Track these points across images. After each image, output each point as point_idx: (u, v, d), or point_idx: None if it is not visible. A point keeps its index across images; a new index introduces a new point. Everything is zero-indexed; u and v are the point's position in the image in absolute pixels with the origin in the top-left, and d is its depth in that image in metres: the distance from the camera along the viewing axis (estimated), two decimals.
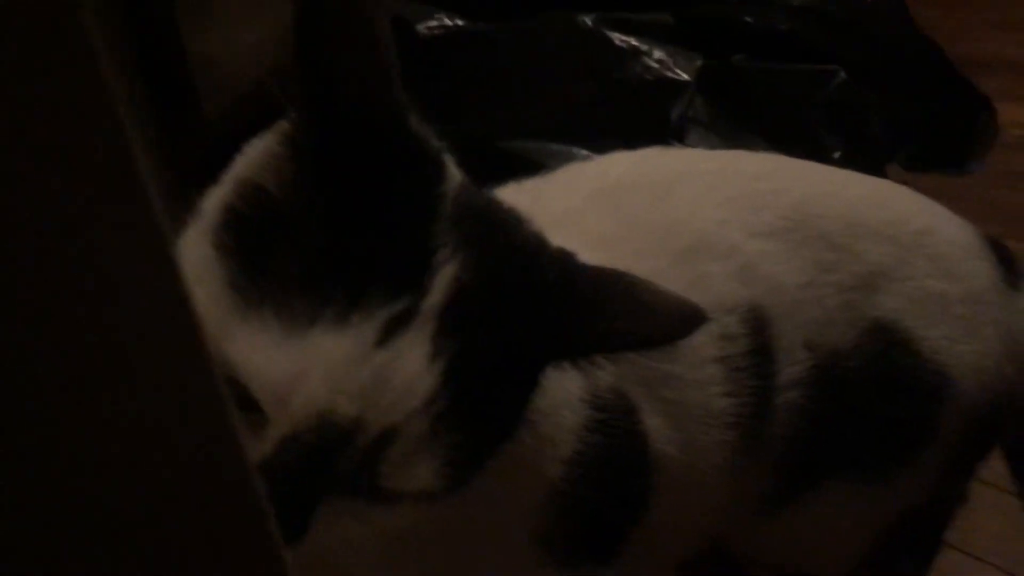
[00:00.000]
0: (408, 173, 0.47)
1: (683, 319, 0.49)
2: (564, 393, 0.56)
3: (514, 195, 0.56)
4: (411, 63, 1.10)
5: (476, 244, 0.47)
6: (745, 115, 0.97)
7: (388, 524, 0.49)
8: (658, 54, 1.00)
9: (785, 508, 0.69)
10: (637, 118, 0.97)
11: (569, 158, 0.87)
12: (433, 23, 1.09)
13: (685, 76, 1.00)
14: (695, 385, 0.61)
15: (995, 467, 0.81)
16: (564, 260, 0.50)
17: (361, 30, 0.44)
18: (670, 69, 1.00)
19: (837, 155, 0.94)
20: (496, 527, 0.57)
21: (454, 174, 0.49)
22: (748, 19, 1.05)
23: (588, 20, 1.03)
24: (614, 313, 0.48)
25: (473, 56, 1.06)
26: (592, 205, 0.64)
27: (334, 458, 0.44)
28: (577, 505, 0.57)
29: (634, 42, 1.01)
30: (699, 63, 1.01)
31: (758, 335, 0.63)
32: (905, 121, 1.03)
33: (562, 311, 0.48)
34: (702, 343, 0.62)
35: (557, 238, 0.62)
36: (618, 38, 1.01)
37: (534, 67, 1.04)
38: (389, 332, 0.44)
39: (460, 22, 1.08)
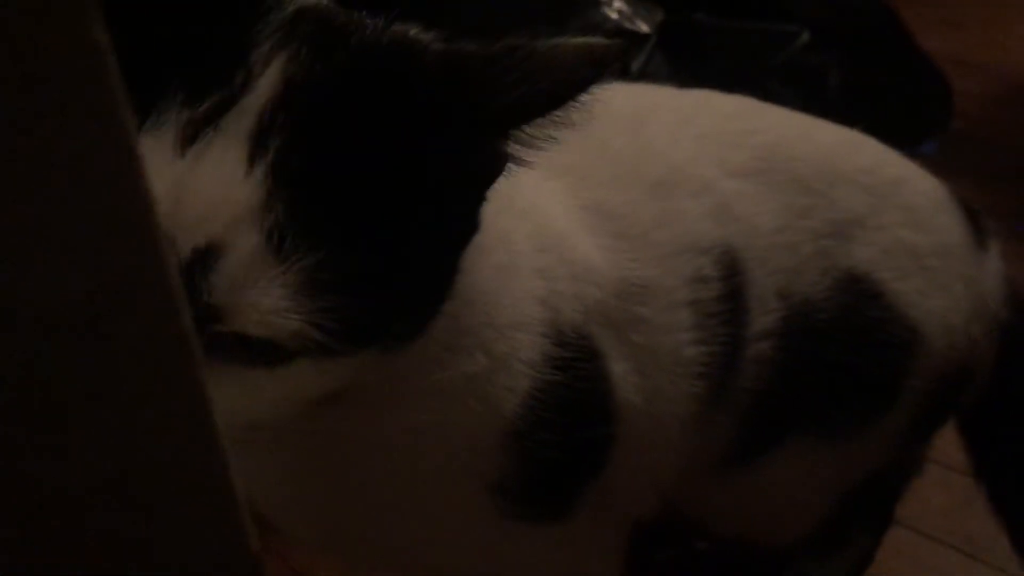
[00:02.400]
0: None
1: (594, 60, 0.42)
2: (522, 317, 0.52)
3: None
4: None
5: (312, 41, 0.42)
6: (705, 72, 0.94)
7: (282, 393, 0.43)
8: (618, 4, 0.97)
9: (747, 467, 0.65)
10: None
11: None
12: None
13: (646, 28, 0.97)
14: (665, 330, 0.57)
15: (940, 444, 0.80)
16: (448, 50, 0.44)
17: None
18: (630, 20, 0.97)
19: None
20: (443, 463, 0.52)
21: None
22: None
23: None
24: (513, 81, 0.42)
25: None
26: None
27: None
28: (534, 451, 0.53)
29: None
30: (660, 17, 0.98)
31: (731, 280, 0.59)
32: (864, 89, 1.01)
33: (449, 95, 0.42)
34: (674, 285, 0.58)
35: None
36: None
37: (488, 9, 0.99)
38: (189, 137, 0.40)
39: None
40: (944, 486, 0.96)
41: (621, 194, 0.58)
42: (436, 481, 0.53)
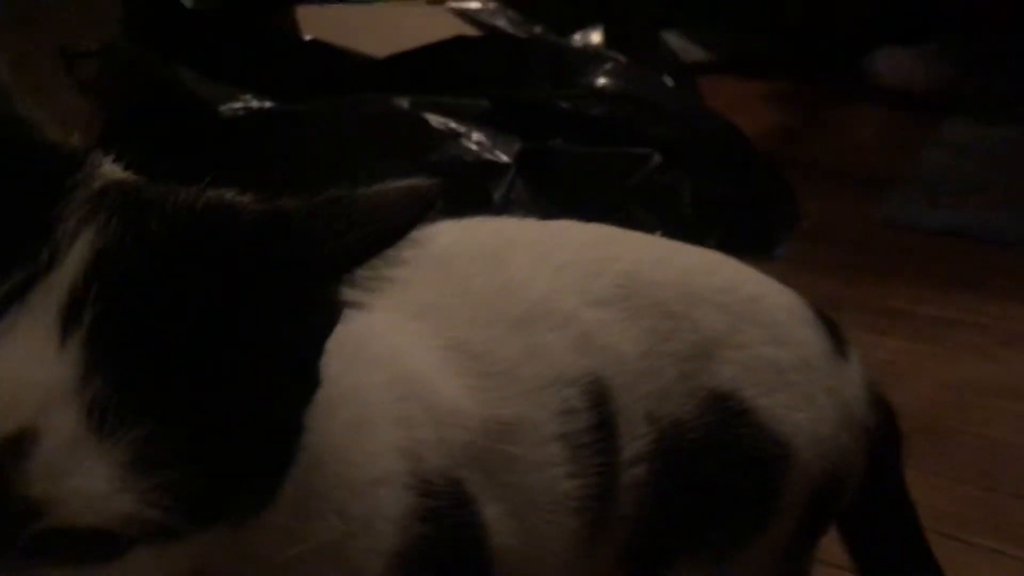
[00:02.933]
0: (23, 170, 0.42)
1: (419, 199, 0.42)
2: (380, 472, 0.50)
3: None
4: (212, 146, 1.03)
5: (122, 211, 0.41)
6: (565, 197, 0.96)
7: None
8: (477, 136, 0.99)
9: None
10: (457, 199, 0.94)
11: None
12: (237, 104, 1.03)
13: (505, 158, 0.99)
14: (537, 467, 0.56)
15: (826, 544, 0.80)
16: (267, 208, 0.43)
17: None
18: (489, 151, 0.99)
19: (658, 234, 0.94)
20: None
21: (104, 172, 0.44)
22: (563, 104, 1.06)
23: (404, 102, 1.00)
24: (337, 229, 0.41)
25: (278, 137, 1.00)
26: (418, 272, 0.59)
27: None
28: None
29: (452, 124, 0.99)
30: (518, 146, 1.00)
31: (600, 408, 0.59)
32: (714, 202, 1.05)
33: (269, 252, 0.41)
34: (543, 419, 0.57)
35: (378, 308, 0.57)
36: (436, 120, 0.99)
37: (345, 148, 1.00)
38: None
39: (267, 103, 1.02)
40: None
41: (484, 332, 0.57)
42: None
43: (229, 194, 0.43)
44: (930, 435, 1.15)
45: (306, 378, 0.44)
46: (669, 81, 1.12)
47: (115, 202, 0.41)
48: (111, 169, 0.44)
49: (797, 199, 1.15)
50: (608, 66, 1.09)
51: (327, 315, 0.43)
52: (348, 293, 0.42)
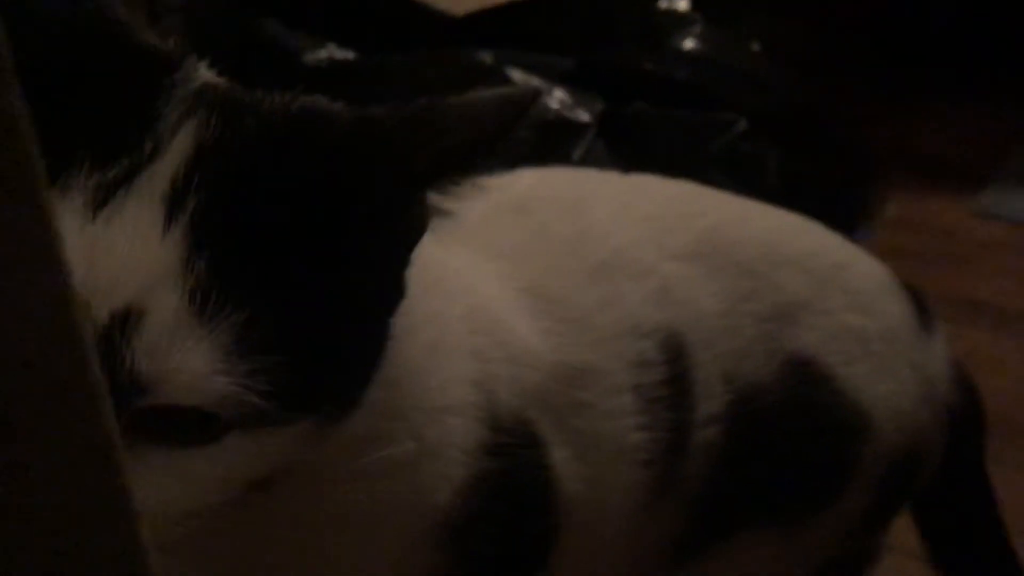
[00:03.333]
0: (127, 67, 0.43)
1: (513, 103, 0.42)
2: (454, 400, 0.50)
3: None
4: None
5: (222, 109, 0.42)
6: (644, 161, 0.94)
7: (215, 474, 0.41)
8: (559, 94, 0.97)
9: (698, 557, 0.62)
10: (537, 158, 0.93)
11: None
12: (322, 54, 1.03)
13: (586, 118, 0.97)
14: (607, 415, 0.55)
15: (896, 530, 0.78)
16: (360, 114, 0.43)
17: None
18: (571, 110, 0.97)
19: None
20: (375, 559, 0.49)
21: (201, 74, 0.45)
22: (648, 66, 1.04)
23: (487, 57, 0.99)
24: (431, 136, 0.41)
25: (362, 90, 1.00)
26: (498, 215, 0.59)
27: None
28: (471, 546, 0.50)
29: (534, 81, 0.98)
30: (600, 107, 0.99)
31: (676, 363, 0.58)
32: (797, 175, 1.03)
33: (363, 156, 0.42)
34: (616, 369, 0.56)
35: (457, 250, 0.56)
36: (518, 76, 0.98)
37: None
38: (100, 201, 0.39)
39: (351, 55, 1.02)
40: (901, 574, 0.94)
41: (561, 278, 0.56)
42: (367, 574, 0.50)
43: (322, 100, 0.44)
44: (1011, 431, 1.11)
45: (394, 285, 0.45)
46: (757, 48, 1.10)
47: (213, 100, 0.42)
48: (207, 73, 0.45)
49: (883, 183, 1.11)
50: (696, 29, 1.06)
51: (417, 222, 0.44)
52: (439, 200, 0.43)
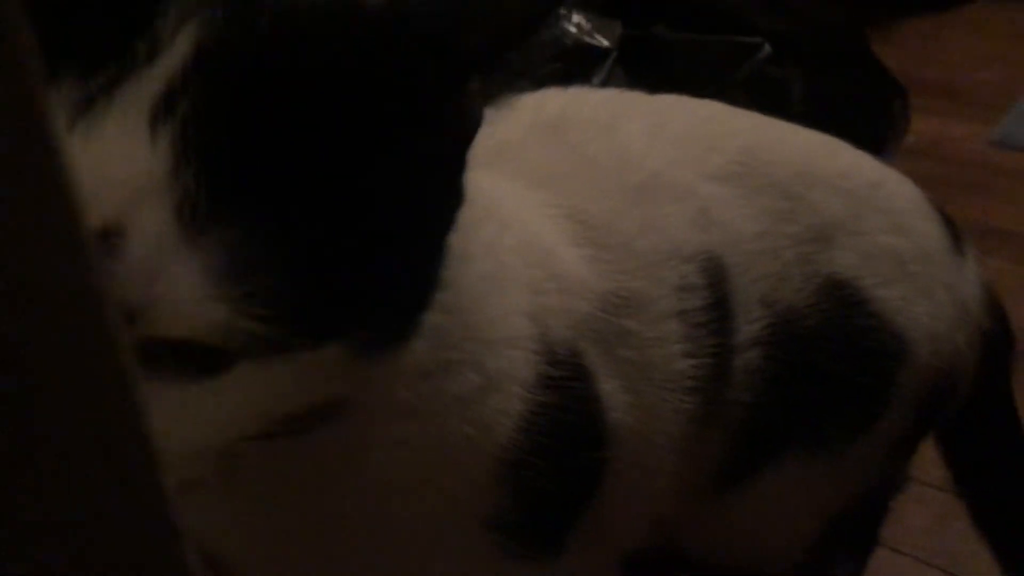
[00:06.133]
0: None
1: None
2: (512, 332, 0.48)
3: None
4: None
5: (227, 5, 0.37)
6: (666, 86, 0.92)
7: (233, 408, 0.37)
8: (577, 19, 0.95)
9: (740, 488, 0.62)
10: (557, 82, 0.91)
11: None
12: None
13: (606, 43, 0.95)
14: (654, 343, 0.54)
15: (915, 461, 0.77)
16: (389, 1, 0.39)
17: None
18: (590, 35, 0.95)
19: None
20: (433, 499, 0.48)
21: None
22: None
23: None
24: (468, 20, 0.37)
25: None
26: (532, 138, 0.57)
27: None
28: (528, 481, 0.48)
29: None
30: (620, 31, 0.96)
31: (717, 288, 0.56)
32: (823, 98, 1.00)
33: (395, 47, 0.37)
34: (660, 295, 0.54)
35: (495, 172, 0.54)
36: None
37: None
38: (80, 113, 0.35)
39: None
40: (922, 503, 0.94)
41: (602, 201, 0.55)
42: (425, 520, 0.48)
43: None
44: None
45: (448, 191, 0.41)
46: None
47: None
48: None
49: (909, 104, 1.09)
50: None
51: (468, 115, 0.39)
52: (488, 86, 0.39)
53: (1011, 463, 0.78)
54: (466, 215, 0.43)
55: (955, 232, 0.69)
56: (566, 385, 0.49)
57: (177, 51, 0.36)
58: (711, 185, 0.58)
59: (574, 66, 0.94)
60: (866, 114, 1.08)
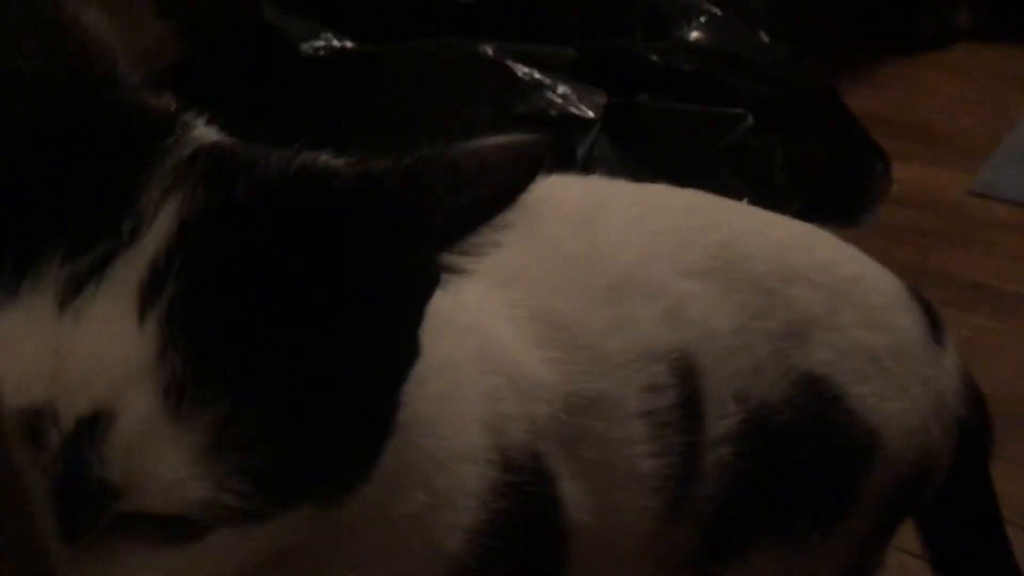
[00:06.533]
0: (116, 136, 0.39)
1: (525, 160, 0.40)
2: (466, 446, 0.48)
3: None
4: (292, 84, 1.01)
5: (209, 178, 0.38)
6: (650, 156, 0.93)
7: (205, 573, 0.38)
8: (562, 89, 0.96)
9: None
10: None
11: None
12: (319, 43, 1.01)
13: (590, 113, 0.95)
14: (619, 444, 0.54)
15: (903, 534, 0.78)
16: (362, 171, 0.40)
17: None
18: (575, 105, 0.95)
19: (744, 201, 0.90)
20: None
21: (196, 135, 0.41)
22: (653, 57, 1.02)
23: (489, 49, 0.97)
24: (440, 194, 0.38)
25: (360, 79, 0.98)
26: (507, 231, 0.57)
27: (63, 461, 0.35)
28: None
29: (537, 75, 0.96)
30: (604, 101, 0.97)
31: (687, 386, 0.57)
32: (804, 164, 1.01)
33: (366, 220, 0.38)
34: (627, 395, 0.55)
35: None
36: (520, 70, 0.96)
37: (428, 93, 0.97)
38: (69, 295, 0.36)
39: (349, 43, 1.00)
40: (902, 569, 0.94)
41: (570, 301, 0.55)
42: None
43: (323, 157, 0.41)
44: (1010, 419, 1.10)
45: (407, 349, 0.42)
46: (764, 37, 1.08)
47: (203, 169, 0.39)
48: (204, 132, 0.42)
49: (889, 165, 1.10)
50: (703, 19, 1.04)
51: (427, 282, 0.41)
52: (449, 259, 0.40)
53: (984, 542, 0.79)
54: (425, 326, 0.43)
55: (934, 321, 0.70)
56: (522, 490, 0.49)
57: (161, 227, 0.37)
58: (686, 281, 0.58)
59: (558, 137, 0.95)
60: (847, 178, 1.09)
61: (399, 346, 0.42)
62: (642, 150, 0.95)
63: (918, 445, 0.65)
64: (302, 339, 0.38)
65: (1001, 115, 1.96)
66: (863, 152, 1.11)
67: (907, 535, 0.80)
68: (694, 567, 0.62)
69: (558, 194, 0.62)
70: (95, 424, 0.35)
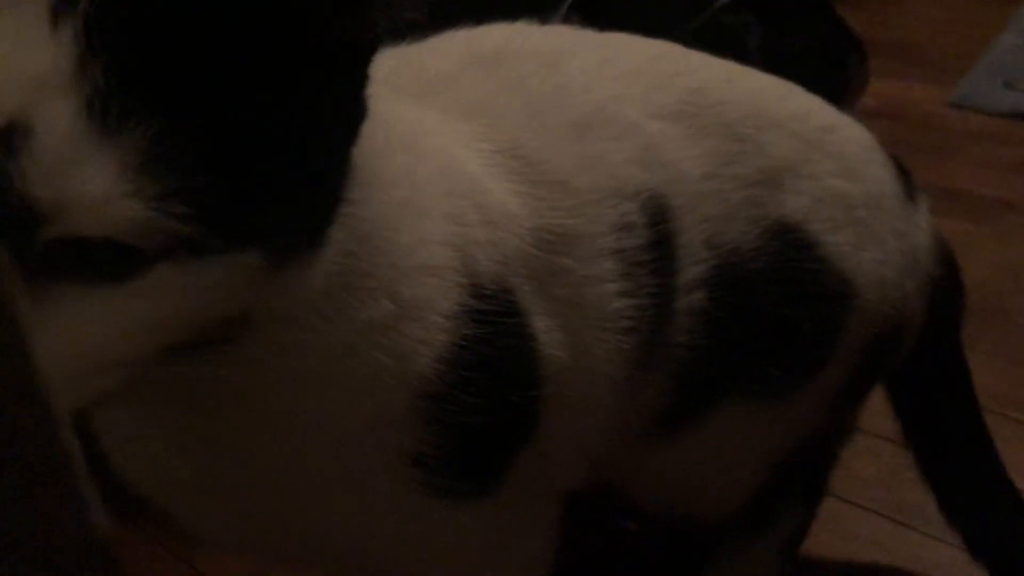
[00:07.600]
0: None
1: None
2: (431, 260, 0.46)
3: (381, 59, 0.45)
4: None
5: None
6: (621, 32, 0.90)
7: (143, 315, 0.36)
8: None
9: (681, 430, 0.61)
10: None
11: None
12: None
13: None
14: (589, 281, 0.53)
15: (867, 414, 0.77)
16: None
17: None
18: None
19: None
20: (351, 431, 0.46)
21: None
22: None
23: None
24: None
25: None
26: (468, 70, 0.55)
27: None
28: (454, 416, 0.47)
29: None
30: None
31: (658, 228, 0.55)
32: (782, 52, 0.99)
33: None
34: (597, 233, 0.53)
35: (424, 104, 0.53)
36: None
37: None
38: None
39: None
40: (873, 455, 0.95)
41: (538, 136, 0.53)
42: (343, 452, 0.47)
43: None
44: (985, 316, 1.11)
45: (351, 100, 0.40)
46: None
47: None
48: None
49: (866, 58, 1.08)
50: None
51: (368, 33, 0.38)
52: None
53: (958, 415, 0.78)
54: (380, 142, 0.42)
55: (908, 180, 0.69)
56: (496, 320, 0.48)
57: None
58: (657, 123, 0.57)
59: (527, 14, 0.92)
60: (823, 68, 1.07)
61: (342, 91, 0.39)
62: (614, 29, 0.92)
63: (892, 297, 0.64)
64: (237, 58, 0.35)
65: (979, 33, 1.95)
66: (841, 44, 1.09)
67: (880, 419, 0.80)
68: (665, 424, 0.61)
69: (524, 35, 0.60)
70: (11, 137, 0.33)
